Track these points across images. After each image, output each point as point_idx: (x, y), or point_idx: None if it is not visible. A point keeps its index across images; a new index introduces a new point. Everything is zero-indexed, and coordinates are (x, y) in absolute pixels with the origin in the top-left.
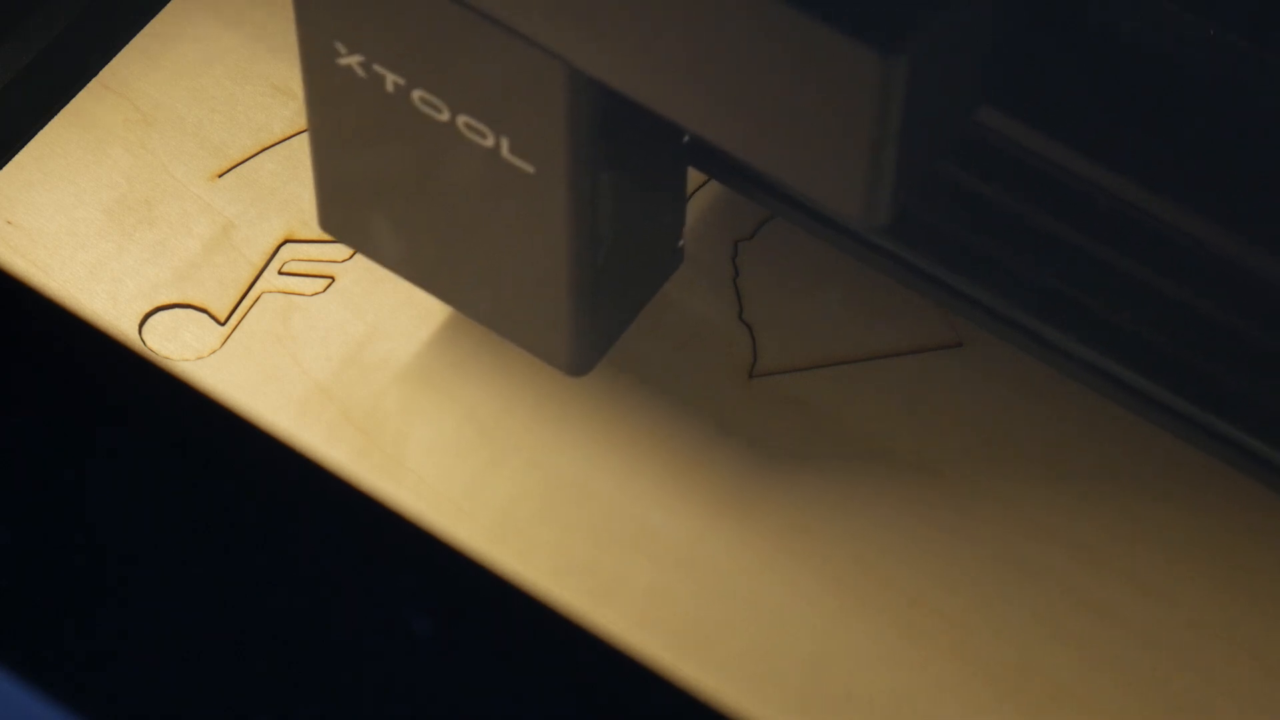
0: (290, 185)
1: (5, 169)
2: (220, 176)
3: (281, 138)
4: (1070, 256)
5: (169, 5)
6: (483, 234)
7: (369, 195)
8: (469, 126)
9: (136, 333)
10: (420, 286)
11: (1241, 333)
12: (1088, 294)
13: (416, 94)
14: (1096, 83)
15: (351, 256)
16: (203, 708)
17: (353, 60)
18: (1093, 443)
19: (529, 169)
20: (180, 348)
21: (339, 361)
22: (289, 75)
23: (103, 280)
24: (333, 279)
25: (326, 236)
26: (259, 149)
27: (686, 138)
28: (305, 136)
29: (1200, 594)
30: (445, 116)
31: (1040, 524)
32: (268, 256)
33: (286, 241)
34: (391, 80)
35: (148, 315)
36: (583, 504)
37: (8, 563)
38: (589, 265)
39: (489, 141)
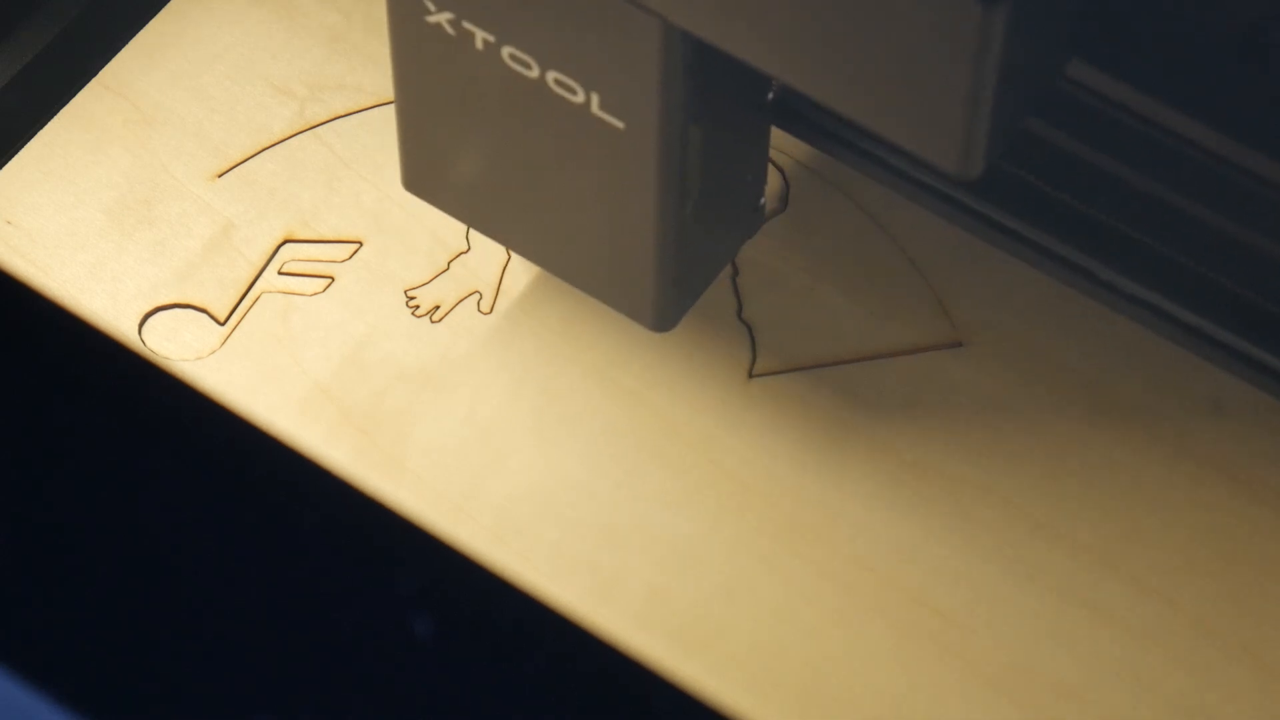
0: (290, 185)
1: (5, 169)
2: (220, 176)
3: (281, 138)
4: (1156, 210)
5: (169, 5)
6: (570, 190)
7: (454, 154)
8: (559, 83)
9: (136, 333)
10: (503, 244)
11: None
12: (1178, 249)
13: (506, 51)
14: (1176, 33)
15: (351, 256)
16: (203, 707)
17: (442, 18)
18: (1093, 443)
19: (619, 124)
20: (180, 348)
21: (339, 361)
22: (289, 75)
23: (103, 280)
24: (333, 279)
25: (326, 236)
26: (259, 149)
27: (770, 95)
28: (305, 137)
29: (1200, 594)
30: (535, 73)
31: (1040, 524)
32: (268, 256)
33: (286, 241)
34: (481, 37)
35: (148, 315)
36: (583, 504)
37: (8, 563)
38: (676, 221)
39: (579, 98)
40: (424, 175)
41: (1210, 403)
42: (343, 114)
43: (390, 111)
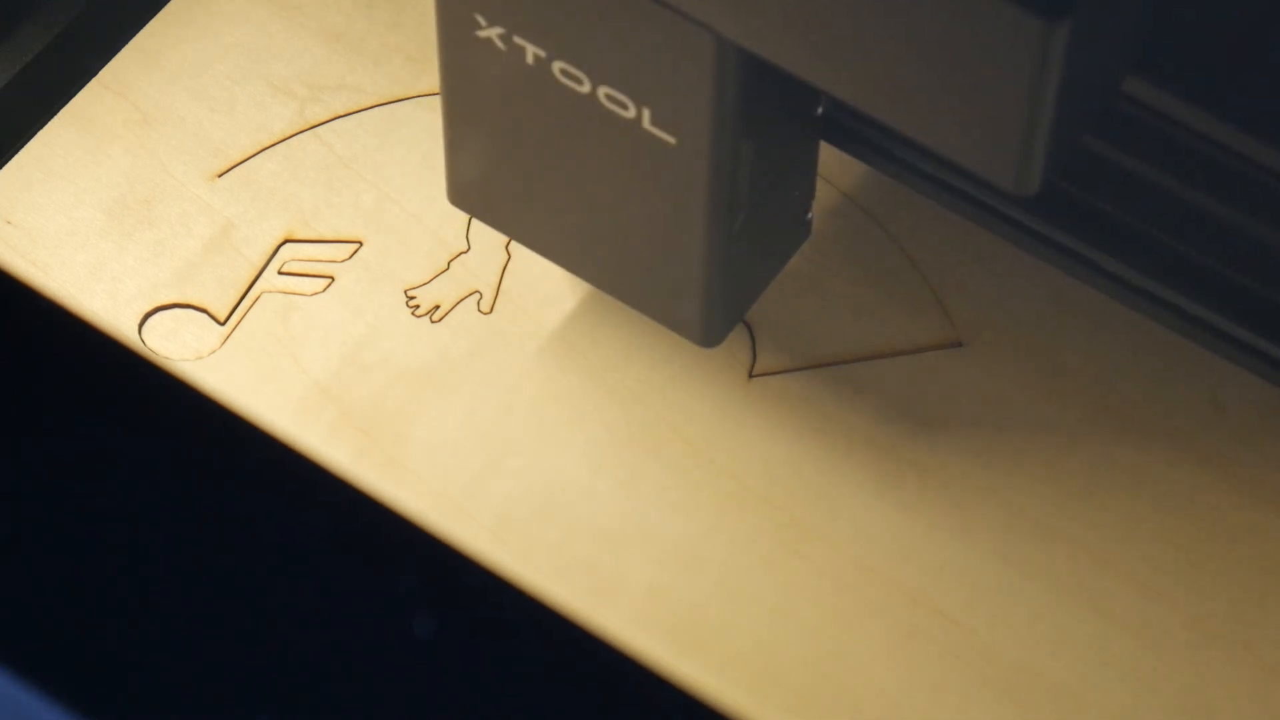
0: (290, 185)
1: (5, 169)
2: (220, 176)
3: (281, 138)
4: (1212, 229)
5: (169, 5)
6: (619, 206)
7: (502, 168)
8: (610, 98)
9: (136, 333)
10: (551, 259)
11: None
12: (1235, 269)
13: (557, 66)
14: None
15: (351, 256)
16: (203, 707)
17: (493, 32)
18: (1092, 442)
19: (670, 140)
20: (180, 348)
21: (339, 361)
22: (289, 75)
23: (103, 280)
24: (332, 279)
25: (326, 236)
26: (259, 149)
27: (820, 110)
28: (305, 137)
29: (1200, 594)
30: (586, 88)
31: (1040, 524)
32: (268, 256)
33: (286, 241)
34: (532, 52)
35: (148, 315)
36: (583, 504)
37: (8, 563)
38: (724, 236)
39: (630, 113)
40: (470, 189)
41: (1210, 402)
42: (343, 114)
43: (390, 111)
